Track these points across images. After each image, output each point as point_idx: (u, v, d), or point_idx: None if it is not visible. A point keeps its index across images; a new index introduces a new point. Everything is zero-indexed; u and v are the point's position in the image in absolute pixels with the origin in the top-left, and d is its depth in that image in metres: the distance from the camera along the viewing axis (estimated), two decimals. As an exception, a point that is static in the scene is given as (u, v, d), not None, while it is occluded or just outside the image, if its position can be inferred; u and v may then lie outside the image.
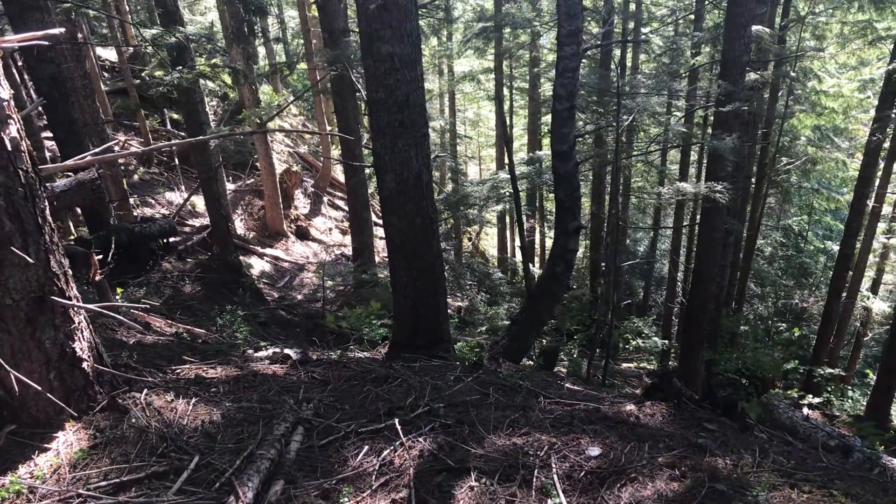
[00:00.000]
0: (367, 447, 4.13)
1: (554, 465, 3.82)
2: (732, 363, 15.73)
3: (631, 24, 18.27)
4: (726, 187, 9.50)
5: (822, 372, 15.72)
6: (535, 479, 3.67)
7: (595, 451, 4.01)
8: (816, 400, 14.82)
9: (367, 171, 16.15)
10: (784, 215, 24.00)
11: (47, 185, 7.03)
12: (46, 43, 3.74)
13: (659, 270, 23.25)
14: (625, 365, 17.72)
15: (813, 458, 4.23)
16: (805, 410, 13.85)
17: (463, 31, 19.87)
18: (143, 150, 3.90)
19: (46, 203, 3.70)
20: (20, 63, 14.28)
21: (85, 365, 3.96)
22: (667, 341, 17.96)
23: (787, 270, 21.90)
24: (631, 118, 9.22)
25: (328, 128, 21.91)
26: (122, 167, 16.97)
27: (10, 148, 3.39)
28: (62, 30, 3.80)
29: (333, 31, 14.34)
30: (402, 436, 4.21)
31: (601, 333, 12.23)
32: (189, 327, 8.50)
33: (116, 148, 16.65)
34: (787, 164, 19.29)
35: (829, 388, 16.34)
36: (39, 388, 3.56)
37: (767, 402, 7.27)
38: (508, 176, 13.75)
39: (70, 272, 3.92)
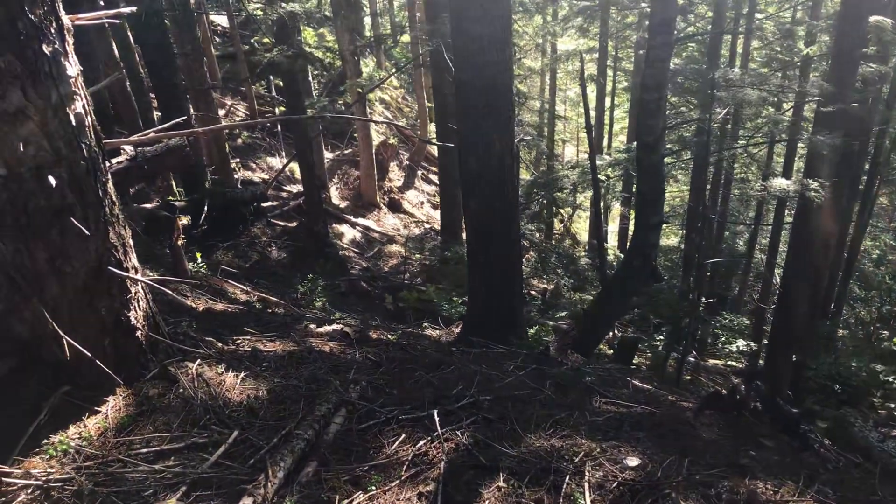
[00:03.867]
0: (404, 435, 4.15)
1: (587, 473, 3.74)
2: (825, 368, 15.03)
3: (745, 9, 17.48)
4: (822, 185, 9.00)
5: (925, 385, 14.83)
6: (564, 486, 3.61)
7: (634, 461, 3.91)
8: (916, 415, 14.01)
9: (458, 148, 16.14)
10: (898, 217, 22.68)
11: (143, 149, 7.33)
12: (117, 21, 3.86)
13: (757, 267, 22.39)
14: (712, 362, 17.22)
15: (868, 489, 4.00)
16: (900, 425, 13.12)
17: (568, 10, 19.52)
18: (206, 130, 4.02)
19: (109, 176, 3.85)
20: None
21: (138, 334, 4.13)
22: (753, 343, 17.31)
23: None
24: (725, 112, 8.85)
25: (426, 103, 21.95)
26: (227, 131, 17.50)
27: (74, 123, 3.53)
28: (133, 9, 3.92)
29: (436, 4, 14.32)
30: (439, 427, 4.21)
31: (685, 328, 11.89)
32: (264, 295, 8.74)
33: (227, 117, 17.17)
34: (905, 163, 18.13)
35: (931, 404, 15.41)
36: (90, 355, 3.73)
37: (843, 419, 6.91)
38: (601, 161, 13.51)
39: (130, 243, 4.07)
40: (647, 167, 8.17)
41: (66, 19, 3.52)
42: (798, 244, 11.33)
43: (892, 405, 14.34)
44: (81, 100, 3.60)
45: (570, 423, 4.54)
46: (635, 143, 16.83)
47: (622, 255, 21.18)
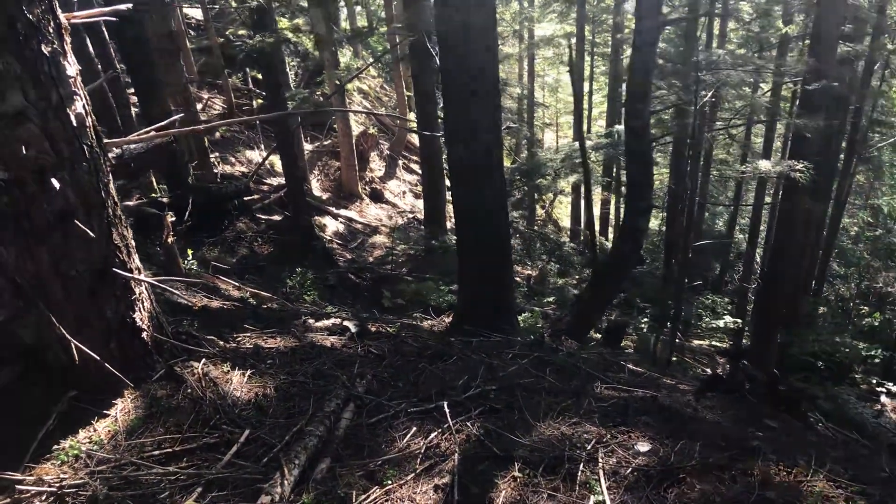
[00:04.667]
0: (415, 428, 4.15)
1: (601, 460, 3.76)
2: (809, 345, 15.24)
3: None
4: (807, 167, 9.10)
5: (905, 360, 15.08)
6: (579, 473, 3.62)
7: (645, 447, 3.93)
8: (897, 388, 14.24)
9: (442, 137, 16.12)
10: (873, 194, 22.98)
11: (129, 146, 7.23)
12: (114, 19, 3.80)
13: (737, 247, 22.63)
14: (696, 342, 17.37)
15: (875, 466, 4.05)
16: (883, 399, 13.35)
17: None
18: (206, 126, 3.99)
19: (110, 177, 3.80)
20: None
21: (144, 335, 4.09)
22: (739, 320, 17.51)
23: (874, 251, 20.99)
24: (710, 94, 8.89)
25: (405, 91, 21.87)
26: (204, 124, 17.31)
27: (75, 124, 3.47)
28: (129, 5, 3.86)
29: (415, -8, 14.22)
30: (450, 419, 4.21)
31: (672, 310, 11.99)
32: (256, 291, 8.69)
33: (204, 111, 16.97)
34: (880, 139, 18.39)
35: (911, 377, 15.67)
36: (98, 358, 3.69)
37: (837, 395, 7.03)
38: (585, 142, 13.55)
39: (132, 243, 4.02)
40: (636, 152, 8.20)
41: (63, 18, 3.46)
42: (783, 224, 11.46)
43: (874, 379, 14.58)
44: (81, 100, 3.55)
45: (577, 409, 4.56)
46: (615, 127, 16.93)
47: (603, 239, 21.32)
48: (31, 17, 3.17)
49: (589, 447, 3.90)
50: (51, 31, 3.33)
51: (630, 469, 3.68)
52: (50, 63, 3.32)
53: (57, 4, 3.39)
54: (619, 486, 3.55)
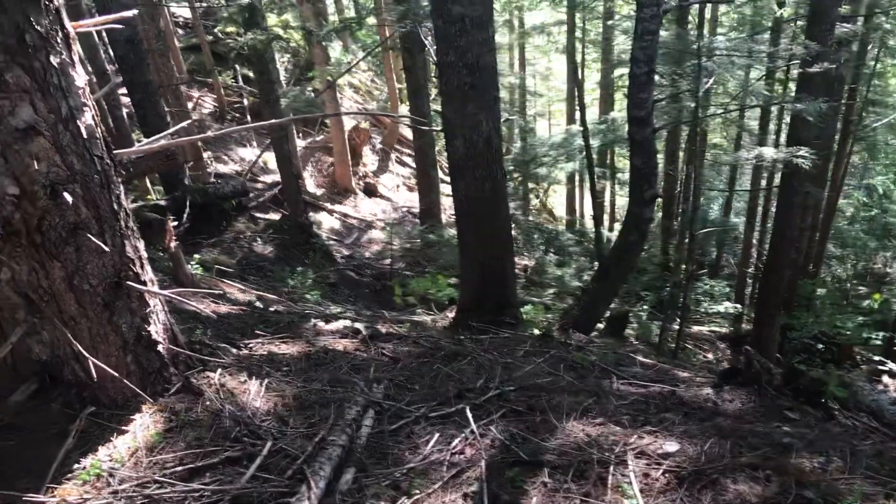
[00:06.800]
0: (437, 434, 4.09)
1: (630, 462, 3.70)
2: (809, 328, 15.26)
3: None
4: (809, 152, 9.07)
5: (905, 340, 15.10)
6: (610, 477, 3.57)
7: (673, 446, 3.88)
8: (899, 368, 14.27)
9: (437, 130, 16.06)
10: (868, 174, 23.00)
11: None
12: (121, 26, 3.72)
13: (732, 231, 22.63)
14: (696, 328, 17.38)
15: (906, 460, 4.02)
16: (885, 379, 13.38)
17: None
18: (214, 134, 3.96)
19: (122, 189, 3.72)
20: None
21: (160, 347, 4.01)
22: (739, 305, 17.53)
23: (870, 231, 21.01)
24: (710, 80, 8.84)
25: (396, 84, 21.75)
26: (197, 125, 17.18)
27: (85, 136, 3.38)
28: (135, 11, 3.78)
29: (405, -18, 14.11)
30: (472, 423, 4.15)
31: (675, 297, 11.97)
32: (262, 293, 8.61)
33: (195, 111, 16.81)
34: (875, 120, 18.37)
35: (912, 358, 15.72)
36: (115, 374, 3.62)
37: (850, 382, 6.98)
38: (578, 130, 13.51)
39: (145, 255, 3.94)
40: (640, 141, 8.15)
41: (70, 27, 3.36)
42: (782, 209, 11.43)
43: (877, 357, 14.61)
44: (90, 110, 3.46)
45: (598, 409, 4.51)
46: (610, 114, 16.88)
47: (602, 231, 21.28)
48: (39, 28, 3.08)
49: (617, 449, 3.84)
50: (59, 41, 3.23)
51: (661, 471, 3.63)
52: (59, 74, 3.23)
53: (64, 13, 3.30)
54: (651, 489, 3.49)
